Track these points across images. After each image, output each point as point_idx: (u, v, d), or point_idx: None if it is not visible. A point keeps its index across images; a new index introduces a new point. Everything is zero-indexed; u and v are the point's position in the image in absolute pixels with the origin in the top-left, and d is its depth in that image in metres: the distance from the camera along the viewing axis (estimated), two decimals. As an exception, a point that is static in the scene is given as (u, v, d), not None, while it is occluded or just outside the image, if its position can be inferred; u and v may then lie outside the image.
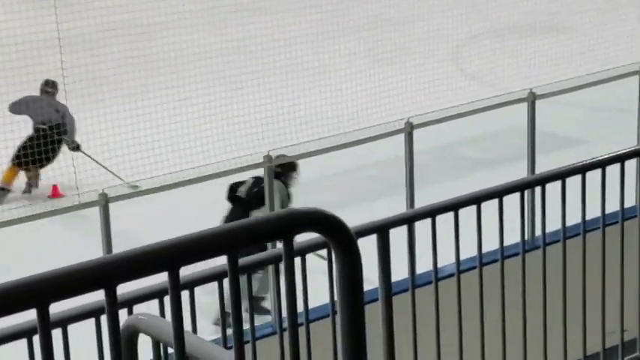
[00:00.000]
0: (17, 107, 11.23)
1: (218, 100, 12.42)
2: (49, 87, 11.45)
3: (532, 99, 7.67)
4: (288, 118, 11.32)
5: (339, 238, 2.09)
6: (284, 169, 7.82)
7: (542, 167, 6.25)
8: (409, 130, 7.13)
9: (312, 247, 3.37)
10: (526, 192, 3.89)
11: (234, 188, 8.00)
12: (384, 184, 9.18)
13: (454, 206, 3.71)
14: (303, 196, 9.60)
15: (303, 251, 3.37)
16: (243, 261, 3.27)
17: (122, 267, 1.89)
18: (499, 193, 3.79)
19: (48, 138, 10.94)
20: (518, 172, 7.59)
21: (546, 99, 8.19)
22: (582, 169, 3.90)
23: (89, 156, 10.93)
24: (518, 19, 16.11)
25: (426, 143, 9.03)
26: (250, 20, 16.36)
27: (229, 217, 7.91)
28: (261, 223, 2.06)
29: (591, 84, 8.97)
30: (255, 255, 3.49)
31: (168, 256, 1.94)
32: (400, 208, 6.81)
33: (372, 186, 9.73)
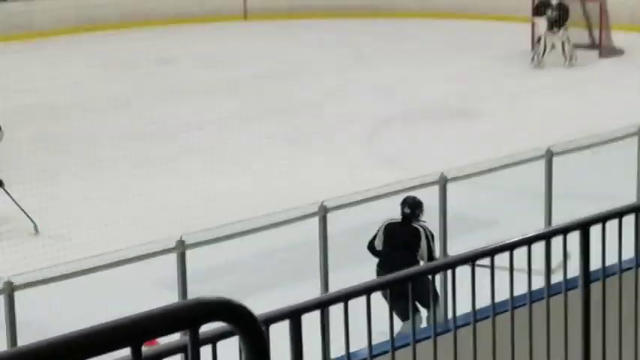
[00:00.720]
0: None
1: (132, 184, 12.34)
2: None
3: (443, 182, 7.75)
4: (203, 201, 11.25)
5: (247, 328, 2.06)
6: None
7: (454, 248, 6.30)
8: (323, 213, 7.13)
9: (221, 336, 3.28)
10: (438, 276, 3.90)
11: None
12: (298, 268, 9.13)
13: (366, 290, 3.68)
14: (218, 278, 9.52)
15: (214, 339, 3.29)
16: (147, 352, 3.17)
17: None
18: (410, 277, 3.79)
19: None
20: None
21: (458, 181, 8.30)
22: (491, 252, 3.93)
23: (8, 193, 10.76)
24: (430, 104, 16.39)
25: (342, 225, 9.07)
26: (168, 103, 16.40)
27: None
28: (167, 314, 2.02)
29: (502, 167, 9.12)
30: (164, 344, 3.39)
31: (66, 351, 1.87)
32: (315, 292, 6.78)
33: (286, 269, 9.67)
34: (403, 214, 8.19)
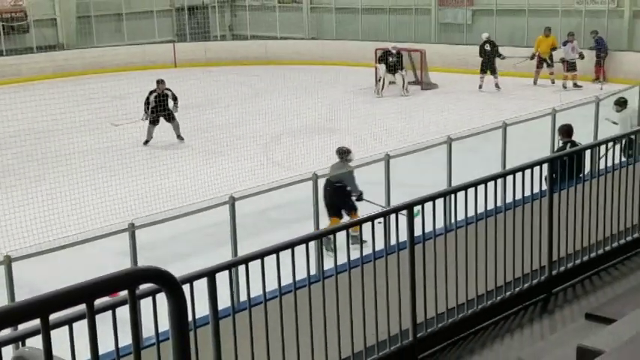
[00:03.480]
0: None
1: (98, 183, 12.02)
2: None
3: (315, 178, 7.76)
4: (153, 194, 11.07)
5: (170, 288, 2.01)
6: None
7: (327, 223, 6.27)
8: (232, 202, 7.07)
9: (147, 294, 3.09)
10: (312, 243, 3.88)
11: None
12: (218, 240, 9.04)
13: (260, 255, 3.65)
14: (165, 247, 9.36)
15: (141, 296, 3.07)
16: (100, 304, 3.00)
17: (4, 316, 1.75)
18: (291, 245, 3.76)
19: None
20: (309, 227, 7.69)
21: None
22: (345, 227, 3.94)
23: None
24: (308, 124, 16.40)
25: (247, 209, 9.02)
26: (121, 127, 16.00)
27: None
28: (113, 279, 1.96)
29: (357, 167, 9.16)
30: (108, 300, 3.19)
31: (40, 307, 1.80)
32: (227, 256, 6.72)
33: (210, 241, 9.57)
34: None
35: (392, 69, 20.05)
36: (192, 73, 22.84)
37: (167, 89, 16.03)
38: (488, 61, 20.24)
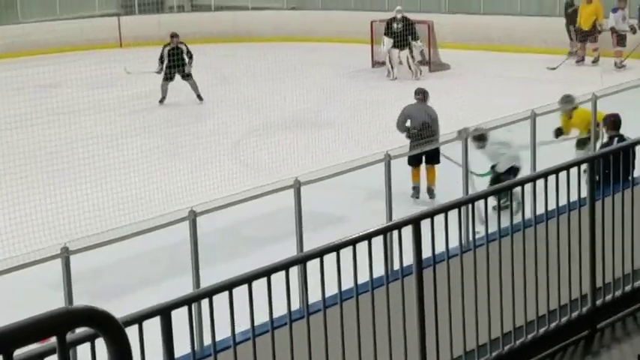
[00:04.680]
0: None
1: (23, 197, 11.95)
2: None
3: (298, 186, 7.76)
4: (87, 210, 11.00)
5: (110, 332, 1.99)
6: None
7: (313, 243, 6.28)
8: (193, 217, 7.05)
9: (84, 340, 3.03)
10: (296, 267, 3.87)
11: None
12: (175, 266, 9.00)
13: (228, 286, 3.64)
14: (109, 276, 9.32)
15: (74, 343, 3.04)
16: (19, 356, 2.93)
17: None
18: (267, 272, 3.75)
19: None
20: (291, 248, 7.68)
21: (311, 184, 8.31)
22: (337, 247, 3.93)
23: None
24: (287, 117, 16.43)
25: (212, 226, 8.99)
26: (56, 123, 15.96)
27: None
28: (36, 323, 1.93)
29: (349, 170, 9.17)
30: (34, 348, 3.16)
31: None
32: (187, 288, 6.69)
33: (166, 267, 9.53)
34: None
35: (398, 41, 19.95)
36: (141, 55, 22.76)
37: (181, 43, 18.64)
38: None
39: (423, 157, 11.92)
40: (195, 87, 18.43)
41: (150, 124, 15.93)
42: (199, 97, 18.35)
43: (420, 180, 12.07)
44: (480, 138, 10.97)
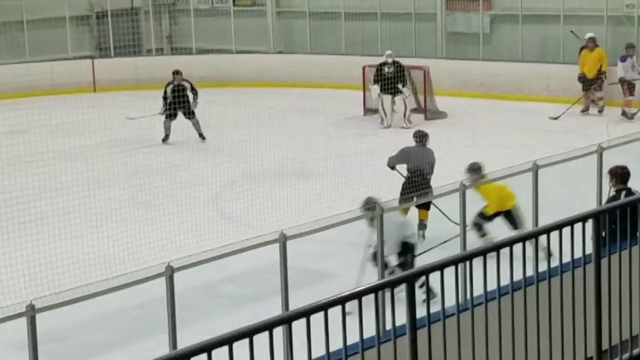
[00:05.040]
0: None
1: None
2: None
3: (283, 239, 7.74)
4: (56, 266, 10.93)
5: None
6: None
7: (299, 301, 6.24)
8: (170, 273, 7.02)
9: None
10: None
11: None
12: (149, 325, 8.94)
13: (208, 348, 3.61)
14: (67, 339, 9.23)
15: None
16: None
17: None
18: (249, 333, 3.73)
19: None
20: (276, 307, 7.63)
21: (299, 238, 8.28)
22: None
23: None
24: (272, 166, 16.44)
25: (190, 283, 8.94)
26: (19, 173, 15.95)
27: None
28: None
29: (339, 223, 9.15)
30: None
31: None
32: (164, 349, 6.64)
33: (140, 327, 9.46)
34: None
35: (389, 86, 20.12)
36: (117, 99, 22.90)
37: (185, 80, 19.31)
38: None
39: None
40: (197, 125, 18.96)
41: (125, 173, 15.93)
42: (201, 135, 18.94)
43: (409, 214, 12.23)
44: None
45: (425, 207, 12.53)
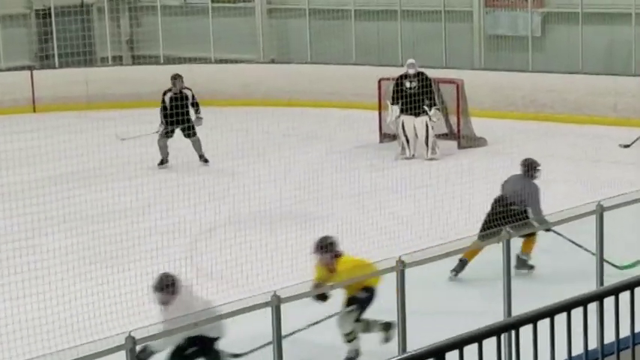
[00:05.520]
0: None
1: None
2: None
3: (277, 302, 7.84)
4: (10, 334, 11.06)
5: None
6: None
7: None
8: (131, 345, 7.11)
9: None
10: None
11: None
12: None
13: None
14: None
15: None
16: None
17: None
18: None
19: None
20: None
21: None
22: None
23: None
24: (261, 208, 16.46)
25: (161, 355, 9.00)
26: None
27: None
28: None
29: (346, 282, 9.24)
30: None
31: None
32: None
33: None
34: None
35: (412, 104, 20.04)
36: (62, 123, 22.93)
37: (186, 88, 19.86)
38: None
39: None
40: (198, 145, 19.62)
41: (78, 215, 15.92)
42: (203, 157, 19.64)
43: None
44: None
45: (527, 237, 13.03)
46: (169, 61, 26.88)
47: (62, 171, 18.27)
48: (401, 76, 20.46)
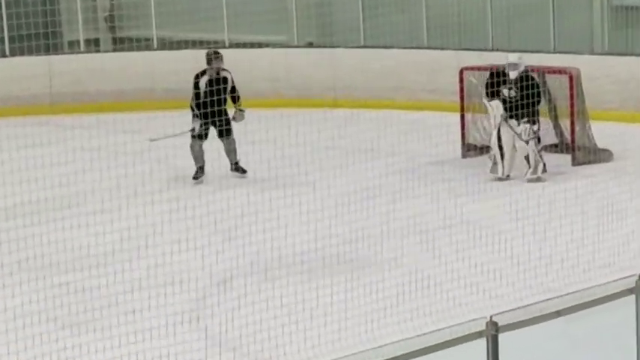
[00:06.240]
0: None
1: None
2: None
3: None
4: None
5: None
6: None
7: None
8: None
9: None
10: None
11: None
12: None
13: None
14: None
15: None
16: None
17: None
18: None
19: None
20: None
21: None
22: None
23: None
24: (291, 251, 16.81)
25: None
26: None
27: None
28: None
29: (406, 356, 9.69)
30: None
31: None
32: None
33: None
34: None
35: (512, 109, 20.02)
36: (16, 133, 22.95)
37: (225, 69, 20.69)
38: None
39: None
40: (234, 149, 20.40)
41: (45, 262, 15.97)
42: (237, 165, 20.83)
43: None
44: None
45: None
46: (165, 45, 26.95)
47: (16, 200, 18.48)
48: (496, 76, 20.49)
